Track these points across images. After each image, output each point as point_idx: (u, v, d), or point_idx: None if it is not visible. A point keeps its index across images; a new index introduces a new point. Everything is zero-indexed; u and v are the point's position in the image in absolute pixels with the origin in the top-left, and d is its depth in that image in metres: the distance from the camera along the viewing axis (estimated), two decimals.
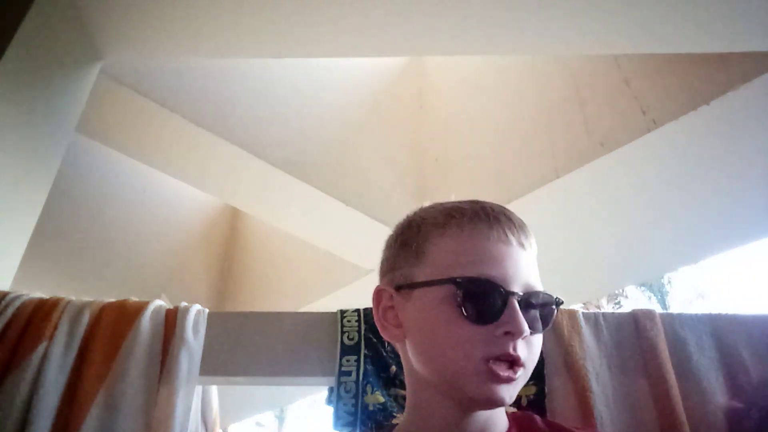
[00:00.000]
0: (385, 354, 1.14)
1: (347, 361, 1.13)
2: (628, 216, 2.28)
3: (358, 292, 2.75)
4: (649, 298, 13.35)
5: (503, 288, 0.65)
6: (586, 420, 0.99)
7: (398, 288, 0.72)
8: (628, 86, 2.02)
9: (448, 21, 1.68)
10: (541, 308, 0.68)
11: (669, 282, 13.37)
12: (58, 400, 1.01)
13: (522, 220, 0.73)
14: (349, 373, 1.12)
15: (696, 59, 1.84)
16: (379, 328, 0.75)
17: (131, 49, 1.86)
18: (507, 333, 0.64)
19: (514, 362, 0.64)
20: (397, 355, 1.14)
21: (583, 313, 1.13)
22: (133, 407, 1.01)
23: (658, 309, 1.17)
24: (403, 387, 1.11)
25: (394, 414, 1.09)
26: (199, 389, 1.15)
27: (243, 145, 2.18)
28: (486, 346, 0.64)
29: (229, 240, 3.78)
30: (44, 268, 2.59)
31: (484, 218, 0.70)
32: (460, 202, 0.74)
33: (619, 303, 12.19)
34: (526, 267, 0.68)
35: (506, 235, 0.69)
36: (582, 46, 1.88)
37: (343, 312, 1.20)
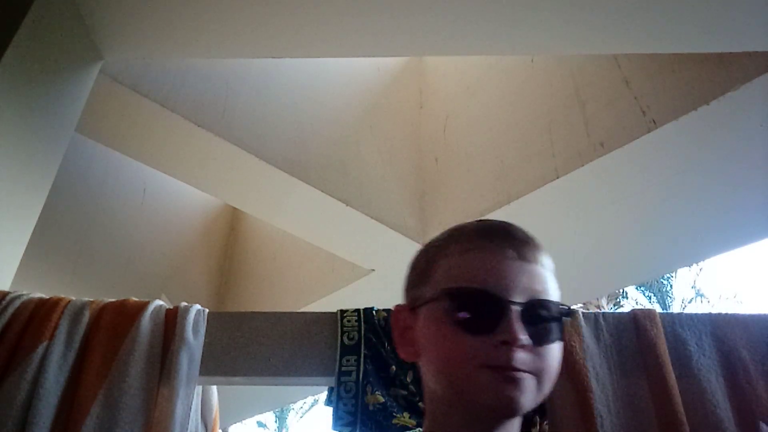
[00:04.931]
0: (385, 354, 1.15)
1: (347, 361, 1.13)
2: (628, 216, 2.28)
3: (358, 292, 2.74)
4: (649, 298, 13.36)
5: (499, 297, 0.65)
6: (586, 420, 0.99)
7: (412, 309, 0.74)
8: (628, 86, 2.02)
9: (448, 21, 1.68)
10: (551, 319, 0.67)
11: (669, 282, 13.38)
12: (58, 400, 1.01)
13: (528, 235, 0.72)
14: (349, 373, 1.12)
15: (696, 59, 1.84)
16: (396, 348, 0.77)
17: (131, 49, 1.86)
18: (504, 342, 0.63)
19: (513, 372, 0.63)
20: (398, 355, 1.14)
21: (583, 313, 1.13)
22: (133, 407, 1.01)
23: (658, 309, 1.17)
24: (403, 387, 1.11)
25: (394, 414, 1.09)
26: (199, 389, 1.15)
27: (243, 145, 2.18)
28: (484, 356, 0.63)
29: (229, 240, 3.78)
30: (44, 268, 2.59)
31: (483, 235, 0.71)
32: (464, 224, 0.75)
33: (619, 303, 12.18)
34: (529, 278, 0.68)
35: (504, 249, 0.69)
36: (582, 46, 1.88)
37: (343, 312, 1.20)
